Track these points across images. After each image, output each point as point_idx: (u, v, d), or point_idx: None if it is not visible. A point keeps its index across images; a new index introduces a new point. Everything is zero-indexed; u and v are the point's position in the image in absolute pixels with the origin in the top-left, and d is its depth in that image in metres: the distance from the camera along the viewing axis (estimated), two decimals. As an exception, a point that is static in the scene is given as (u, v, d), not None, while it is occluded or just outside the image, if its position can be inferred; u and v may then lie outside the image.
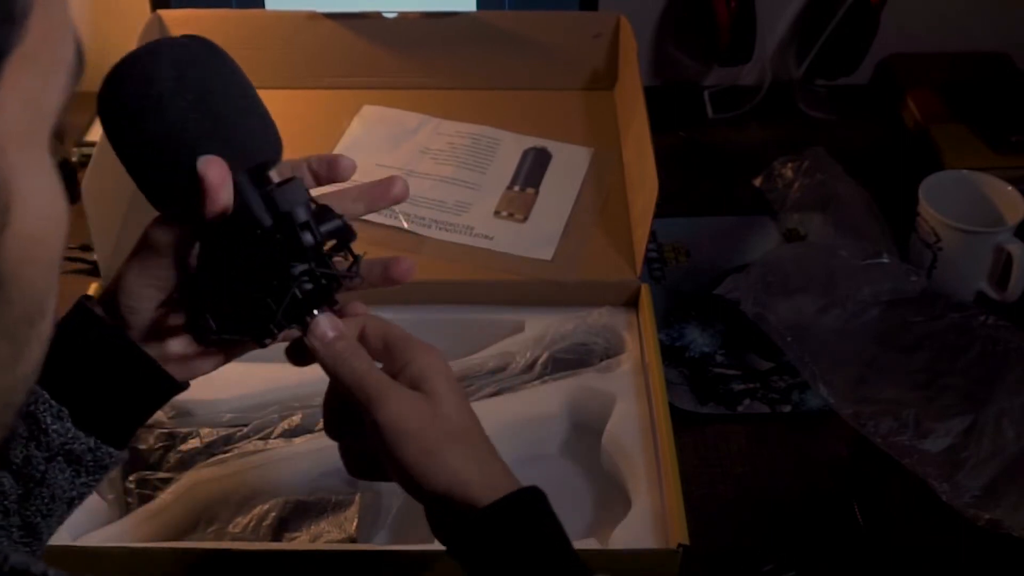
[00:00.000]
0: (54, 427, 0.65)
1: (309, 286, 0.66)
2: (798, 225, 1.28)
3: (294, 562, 0.87)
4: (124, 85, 0.63)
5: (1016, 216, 1.15)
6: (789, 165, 1.32)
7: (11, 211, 0.39)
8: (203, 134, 0.64)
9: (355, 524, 0.91)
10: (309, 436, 0.98)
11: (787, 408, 1.09)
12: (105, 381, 0.67)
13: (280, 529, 0.92)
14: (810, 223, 1.27)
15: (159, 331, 0.69)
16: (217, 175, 0.63)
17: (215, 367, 0.73)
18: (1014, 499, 0.98)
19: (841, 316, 1.13)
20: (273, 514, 0.92)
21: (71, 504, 0.68)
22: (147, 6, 1.31)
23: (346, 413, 0.70)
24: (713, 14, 1.40)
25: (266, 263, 0.65)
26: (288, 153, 1.34)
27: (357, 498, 0.93)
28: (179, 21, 1.32)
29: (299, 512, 0.93)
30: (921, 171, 1.21)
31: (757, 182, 1.34)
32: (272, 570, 0.88)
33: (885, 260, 1.16)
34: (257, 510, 0.93)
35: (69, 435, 0.65)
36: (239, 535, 0.91)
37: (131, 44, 1.25)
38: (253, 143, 0.67)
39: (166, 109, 0.63)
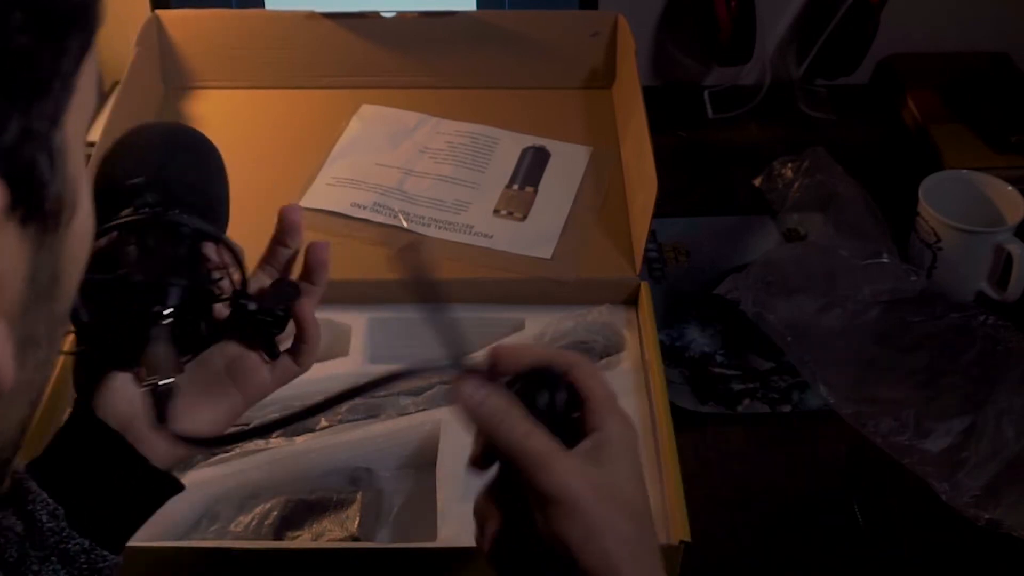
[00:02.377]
0: (49, 525, 0.64)
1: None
2: (798, 225, 1.28)
3: (296, 561, 0.87)
4: None
5: (1016, 216, 1.15)
6: (789, 165, 1.32)
7: (75, 208, 0.43)
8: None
9: (357, 522, 0.91)
10: (310, 435, 0.98)
11: (787, 408, 1.09)
12: (102, 484, 0.68)
13: (282, 528, 0.92)
14: (810, 223, 1.27)
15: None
16: None
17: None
18: (1014, 499, 0.99)
19: (841, 316, 1.13)
20: (275, 513, 0.92)
21: None
22: (146, 6, 1.31)
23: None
24: (713, 14, 1.40)
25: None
26: (287, 152, 1.34)
27: (359, 496, 0.93)
28: (178, 21, 1.32)
29: (301, 511, 0.93)
30: (921, 171, 1.21)
31: (757, 182, 1.34)
32: (274, 569, 0.88)
33: (885, 260, 1.16)
34: (259, 509, 0.93)
35: (63, 534, 0.65)
36: (241, 534, 0.91)
37: (130, 43, 1.26)
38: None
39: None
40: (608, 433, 0.63)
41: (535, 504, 0.61)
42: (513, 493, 0.63)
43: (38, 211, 0.40)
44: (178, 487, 0.72)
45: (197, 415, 0.73)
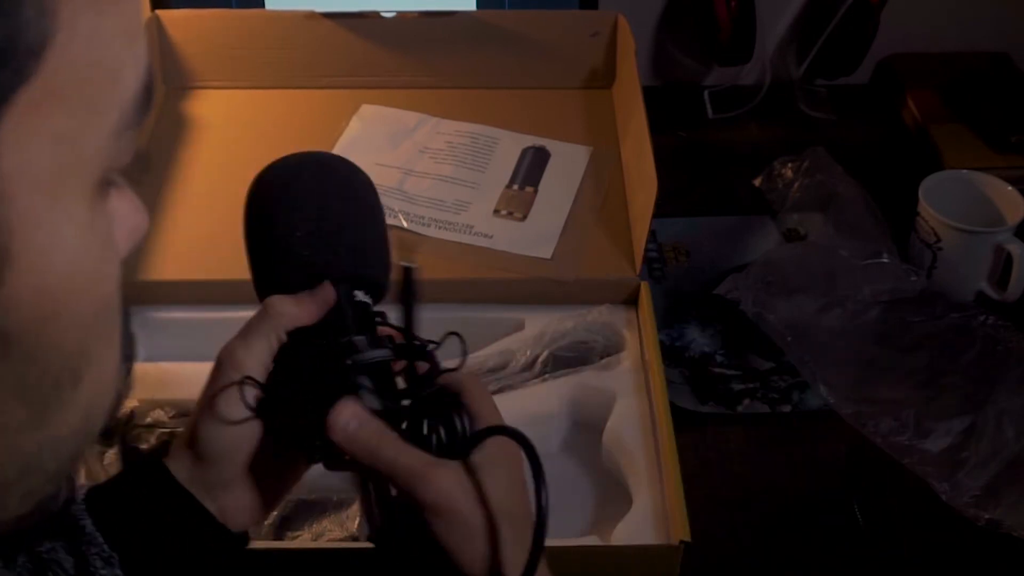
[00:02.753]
0: (103, 572, 0.63)
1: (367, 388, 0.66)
2: (798, 225, 1.28)
3: (296, 561, 0.87)
4: (266, 204, 0.70)
5: (1016, 216, 1.15)
6: (789, 165, 1.32)
7: (14, 259, 0.36)
8: (321, 254, 0.68)
9: (357, 522, 0.91)
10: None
11: (787, 408, 1.09)
12: (164, 537, 0.66)
13: (282, 528, 0.92)
14: (810, 223, 1.27)
15: (246, 471, 0.68)
16: (327, 295, 0.67)
17: (276, 505, 0.72)
18: (1014, 499, 0.99)
19: (841, 316, 1.13)
20: (275, 513, 0.92)
21: None
22: (146, 6, 1.31)
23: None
24: (713, 14, 1.40)
25: (330, 367, 0.66)
26: (287, 152, 1.33)
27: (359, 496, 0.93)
28: (178, 21, 1.32)
29: (301, 511, 0.93)
30: (921, 171, 1.21)
31: (757, 182, 1.34)
32: (274, 569, 0.88)
33: (885, 260, 1.16)
34: (258, 509, 0.93)
35: None
36: (240, 534, 0.91)
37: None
38: (359, 263, 0.70)
39: (296, 236, 0.68)
40: (487, 446, 0.65)
41: (423, 515, 0.63)
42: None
43: None
44: (243, 542, 0.70)
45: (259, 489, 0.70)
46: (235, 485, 0.68)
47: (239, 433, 0.66)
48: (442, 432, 0.66)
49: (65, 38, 0.36)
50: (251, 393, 0.65)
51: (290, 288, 0.68)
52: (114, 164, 0.40)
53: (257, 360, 0.66)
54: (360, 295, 0.69)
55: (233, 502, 0.68)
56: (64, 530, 0.64)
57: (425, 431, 0.65)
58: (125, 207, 0.45)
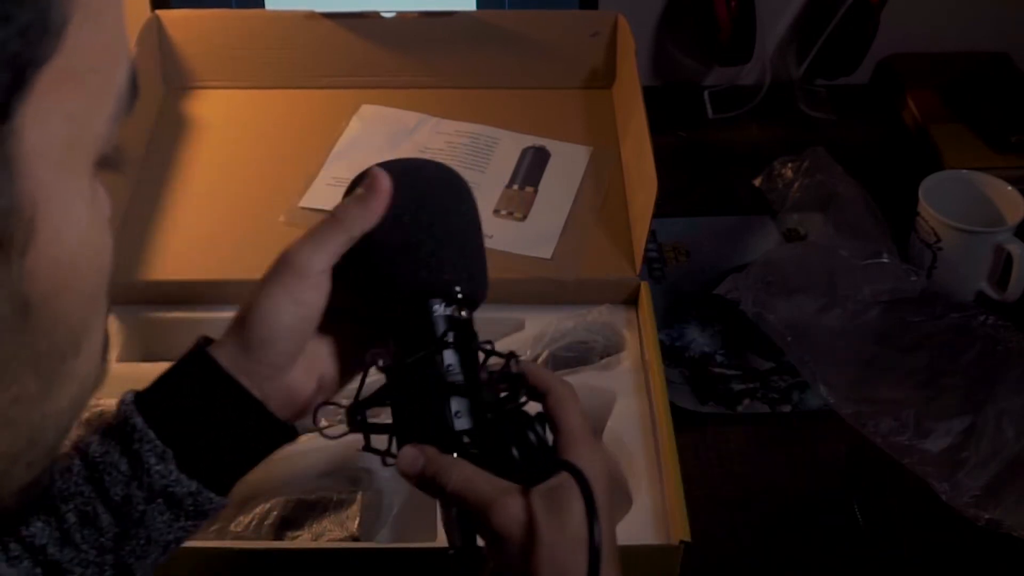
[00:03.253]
0: (157, 468, 0.63)
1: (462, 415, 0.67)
2: (798, 225, 1.28)
3: (296, 561, 0.87)
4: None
5: (1016, 216, 1.15)
6: (789, 165, 1.32)
7: (37, 231, 0.37)
8: (406, 269, 0.69)
9: (357, 522, 0.91)
10: (310, 435, 0.98)
11: (787, 408, 1.09)
12: (214, 428, 0.66)
13: (282, 528, 0.92)
14: (810, 223, 1.27)
15: (290, 365, 0.68)
16: (384, 184, 0.68)
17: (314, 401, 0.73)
18: (1014, 499, 0.99)
19: (841, 316, 1.13)
20: (275, 513, 0.92)
21: (167, 548, 0.66)
22: (146, 6, 1.31)
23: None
24: (713, 14, 1.40)
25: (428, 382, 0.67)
26: (287, 152, 1.34)
27: (359, 497, 0.93)
28: (178, 21, 1.32)
29: (301, 511, 0.93)
30: (921, 171, 1.21)
31: (757, 182, 1.34)
32: (274, 569, 0.88)
33: (885, 260, 1.16)
34: (259, 509, 0.92)
35: (171, 477, 0.64)
36: (241, 534, 0.91)
37: (129, 43, 1.26)
38: (455, 276, 0.70)
39: (383, 253, 0.69)
40: (562, 473, 0.65)
41: (493, 545, 0.64)
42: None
43: None
44: (292, 434, 0.71)
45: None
46: (280, 376, 0.68)
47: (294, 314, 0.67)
48: (515, 451, 0.66)
49: (80, 19, 0.37)
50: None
51: (394, 309, 0.69)
52: (106, 148, 0.42)
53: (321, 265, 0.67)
54: (452, 311, 0.69)
55: (278, 393, 0.68)
56: (117, 432, 0.64)
57: (504, 446, 0.66)
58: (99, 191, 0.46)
